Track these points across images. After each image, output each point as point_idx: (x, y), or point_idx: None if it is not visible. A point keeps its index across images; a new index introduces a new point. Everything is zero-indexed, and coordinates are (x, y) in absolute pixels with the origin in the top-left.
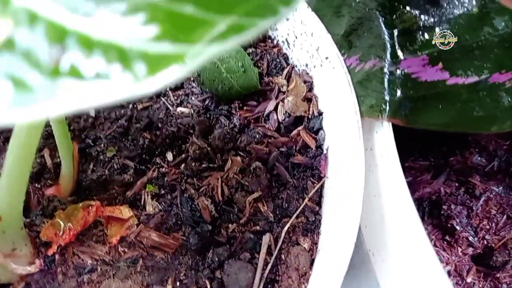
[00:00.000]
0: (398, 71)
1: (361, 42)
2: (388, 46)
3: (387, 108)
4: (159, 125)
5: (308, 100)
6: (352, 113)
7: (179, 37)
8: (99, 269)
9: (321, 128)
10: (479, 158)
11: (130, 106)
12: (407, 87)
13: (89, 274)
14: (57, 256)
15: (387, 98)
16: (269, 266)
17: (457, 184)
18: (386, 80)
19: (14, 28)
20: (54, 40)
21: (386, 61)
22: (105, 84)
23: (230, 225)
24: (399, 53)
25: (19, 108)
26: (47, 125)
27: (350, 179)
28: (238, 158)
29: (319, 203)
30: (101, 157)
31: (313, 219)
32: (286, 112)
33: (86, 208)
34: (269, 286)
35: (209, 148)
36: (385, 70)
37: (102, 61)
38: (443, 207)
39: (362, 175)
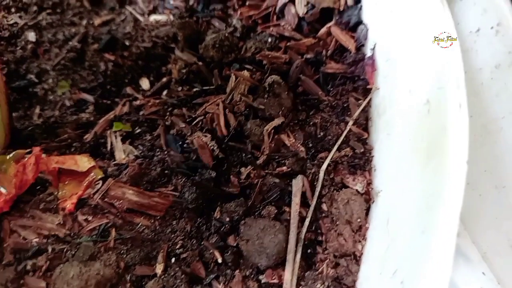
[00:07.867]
0: None
1: None
2: None
3: None
4: (126, 42)
5: None
6: None
7: None
8: (49, 250)
9: (360, 21)
10: None
11: (84, 22)
12: None
13: (35, 259)
14: None
15: None
16: (306, 222)
17: None
18: None
19: None
20: None
21: None
22: None
23: (243, 169)
24: None
25: None
26: None
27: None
28: (245, 73)
29: (366, 128)
30: (51, 97)
31: (362, 150)
32: (307, 3)
33: (21, 160)
34: (309, 250)
35: (200, 63)
36: None
37: None
38: None
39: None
